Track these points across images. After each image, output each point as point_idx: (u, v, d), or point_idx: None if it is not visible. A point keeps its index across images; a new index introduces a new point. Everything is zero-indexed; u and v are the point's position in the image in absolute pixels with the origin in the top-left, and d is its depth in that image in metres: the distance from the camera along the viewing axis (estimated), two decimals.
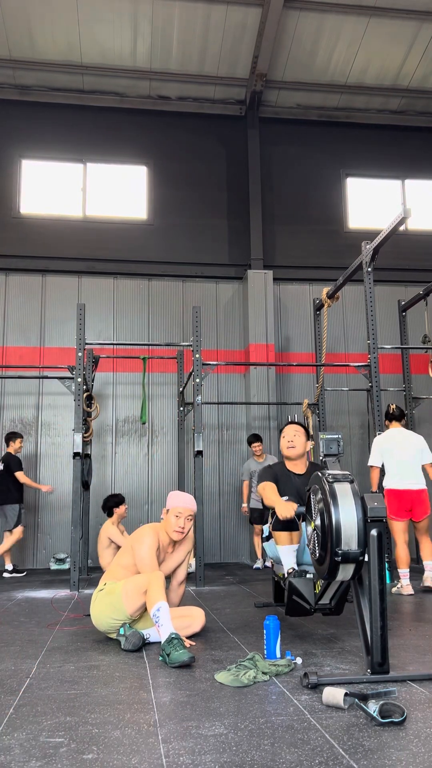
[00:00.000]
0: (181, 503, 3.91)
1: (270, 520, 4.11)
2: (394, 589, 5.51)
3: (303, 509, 3.58)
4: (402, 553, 5.65)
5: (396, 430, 5.92)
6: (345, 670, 3.02)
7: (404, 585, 5.43)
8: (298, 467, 4.28)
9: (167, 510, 3.92)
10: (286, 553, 3.88)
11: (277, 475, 4.23)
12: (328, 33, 9.33)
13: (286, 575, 3.75)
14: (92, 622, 3.84)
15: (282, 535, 3.93)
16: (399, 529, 5.76)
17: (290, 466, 4.30)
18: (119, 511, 6.75)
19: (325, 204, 10.18)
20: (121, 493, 8.66)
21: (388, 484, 5.76)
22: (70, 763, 2.03)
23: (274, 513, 3.99)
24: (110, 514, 6.75)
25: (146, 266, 9.56)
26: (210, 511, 8.86)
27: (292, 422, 4.43)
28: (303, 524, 3.93)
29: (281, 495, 4.07)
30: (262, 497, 4.08)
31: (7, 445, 7.92)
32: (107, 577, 3.88)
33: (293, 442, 4.25)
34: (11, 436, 7.94)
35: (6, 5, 8.66)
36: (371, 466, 5.90)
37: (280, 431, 4.47)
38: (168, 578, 4.01)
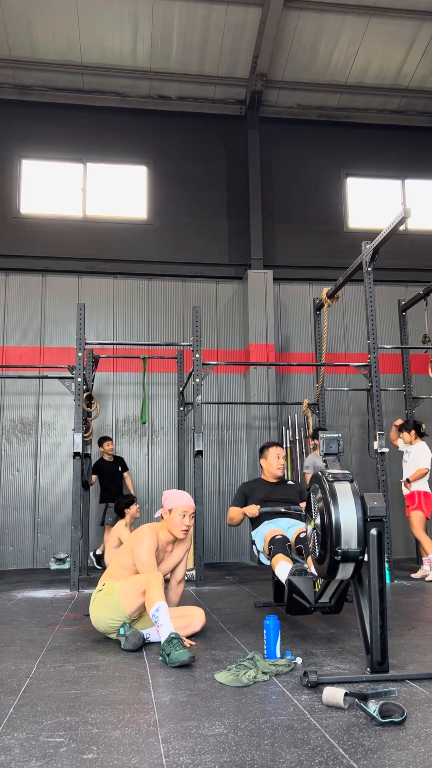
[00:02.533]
0: (185, 502, 3.92)
1: (266, 547, 4.31)
2: (425, 577, 6.34)
3: (266, 508, 4.57)
4: (427, 544, 6.56)
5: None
6: (345, 670, 3.02)
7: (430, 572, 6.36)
8: (275, 479, 4.90)
9: (170, 510, 3.90)
10: (282, 568, 3.96)
11: (249, 488, 4.88)
12: (328, 33, 9.33)
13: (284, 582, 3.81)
14: (91, 622, 3.84)
15: (280, 557, 4.07)
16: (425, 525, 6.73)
17: (268, 478, 4.91)
18: (130, 511, 6.76)
19: (325, 204, 10.18)
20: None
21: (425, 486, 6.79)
22: (70, 763, 2.03)
23: (271, 549, 4.22)
24: (122, 515, 6.76)
25: (146, 266, 9.56)
26: (210, 511, 8.85)
27: (278, 444, 5.03)
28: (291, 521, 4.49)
29: (253, 500, 4.72)
30: (232, 519, 4.75)
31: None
32: (106, 578, 3.88)
33: (282, 468, 4.87)
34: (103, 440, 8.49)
35: (6, 5, 8.66)
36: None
37: (261, 450, 5.00)
38: (167, 578, 4.01)
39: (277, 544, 4.13)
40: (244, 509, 4.62)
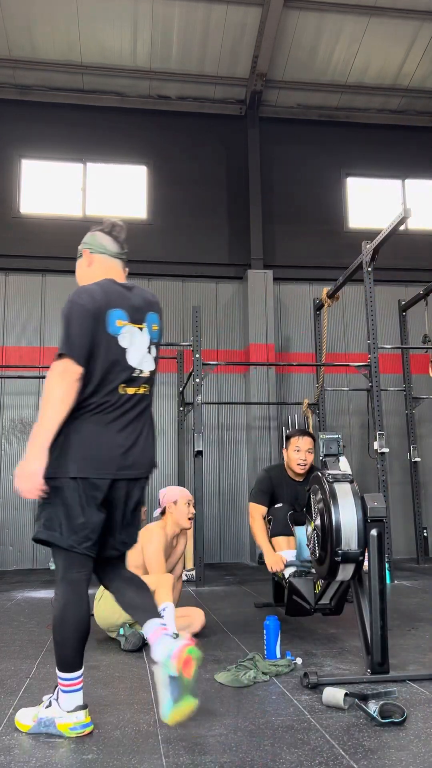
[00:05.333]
0: (186, 492, 4.06)
1: (268, 525, 4.16)
2: None
3: (293, 561, 3.78)
4: None
5: None
6: (345, 670, 3.02)
7: None
8: (299, 475, 4.24)
9: (174, 502, 3.98)
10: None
11: (274, 483, 4.20)
12: (328, 33, 9.32)
13: (286, 577, 3.76)
14: (95, 619, 3.84)
15: (280, 541, 3.99)
16: None
17: (292, 474, 4.25)
18: None
19: (325, 204, 10.18)
20: None
21: None
22: (70, 763, 2.03)
23: (271, 520, 4.09)
24: None
25: (146, 266, 9.54)
26: (210, 511, 8.85)
27: (306, 433, 4.25)
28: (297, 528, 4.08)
29: (277, 501, 4.12)
30: (251, 527, 4.12)
31: None
32: None
33: (306, 461, 4.15)
34: None
35: (6, 5, 8.66)
36: None
37: (287, 438, 4.29)
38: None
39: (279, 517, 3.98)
40: (267, 556, 3.85)
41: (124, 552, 2.52)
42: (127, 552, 2.55)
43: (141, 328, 2.47)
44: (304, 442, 4.16)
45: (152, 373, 2.49)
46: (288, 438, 4.27)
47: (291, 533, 3.97)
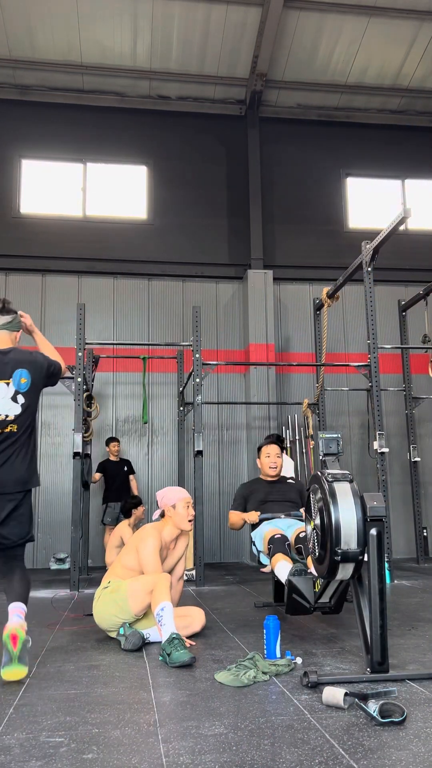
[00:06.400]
0: (184, 494, 4.02)
1: (265, 547, 4.26)
2: None
3: (266, 515, 4.43)
4: None
5: None
6: (345, 670, 3.02)
7: None
8: (272, 477, 4.78)
9: (173, 505, 3.94)
10: (282, 568, 3.95)
11: (250, 488, 4.76)
12: (328, 33, 9.33)
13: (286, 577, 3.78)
14: (94, 619, 3.84)
15: (280, 558, 4.04)
16: None
17: (265, 477, 4.79)
18: (137, 512, 6.86)
19: (325, 204, 10.18)
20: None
21: None
22: (70, 763, 2.03)
23: (271, 548, 4.16)
24: (128, 515, 6.84)
25: (146, 266, 9.56)
26: (210, 511, 8.85)
27: (273, 441, 4.92)
28: (293, 520, 4.43)
29: (253, 502, 4.63)
30: (233, 524, 4.63)
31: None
32: (111, 576, 3.88)
33: (276, 464, 4.73)
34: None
35: (6, 5, 8.66)
36: None
37: (259, 449, 4.87)
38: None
39: (277, 543, 4.12)
40: (244, 516, 4.52)
41: (9, 545, 3.19)
42: (18, 546, 3.23)
43: (7, 383, 3.26)
44: (273, 449, 4.78)
45: (18, 416, 3.25)
46: (259, 448, 4.87)
47: (289, 555, 4.10)
